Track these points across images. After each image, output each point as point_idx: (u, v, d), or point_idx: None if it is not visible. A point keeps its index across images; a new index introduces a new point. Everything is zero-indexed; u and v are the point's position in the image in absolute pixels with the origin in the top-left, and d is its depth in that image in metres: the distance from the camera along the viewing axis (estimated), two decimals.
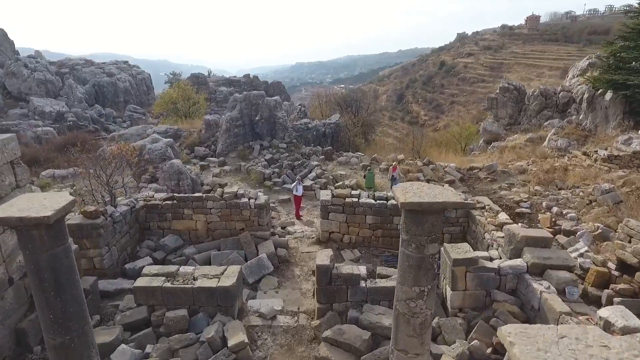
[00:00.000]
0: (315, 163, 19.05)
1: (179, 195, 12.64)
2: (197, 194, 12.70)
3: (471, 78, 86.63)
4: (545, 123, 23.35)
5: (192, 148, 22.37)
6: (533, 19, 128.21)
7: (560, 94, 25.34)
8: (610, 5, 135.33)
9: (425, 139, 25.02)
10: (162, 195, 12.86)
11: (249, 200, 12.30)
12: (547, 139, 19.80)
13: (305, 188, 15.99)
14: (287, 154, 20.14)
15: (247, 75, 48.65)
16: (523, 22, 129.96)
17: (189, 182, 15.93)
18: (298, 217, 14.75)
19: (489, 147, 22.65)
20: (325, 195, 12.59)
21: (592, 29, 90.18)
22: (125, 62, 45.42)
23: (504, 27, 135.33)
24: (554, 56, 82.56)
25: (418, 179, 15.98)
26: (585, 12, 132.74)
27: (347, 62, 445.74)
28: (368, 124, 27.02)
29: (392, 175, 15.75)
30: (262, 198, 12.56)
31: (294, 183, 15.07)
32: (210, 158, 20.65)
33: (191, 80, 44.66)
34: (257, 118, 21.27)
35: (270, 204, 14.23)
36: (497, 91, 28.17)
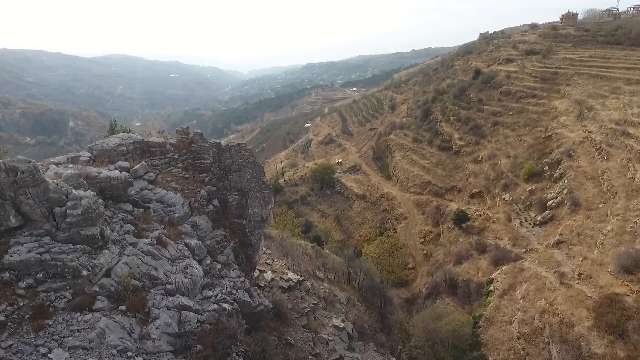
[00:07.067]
0: None
1: None
2: None
3: (517, 92, 68.73)
4: None
5: None
6: (570, 17, 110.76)
7: None
8: None
9: None
10: None
11: None
12: None
13: None
14: None
15: (183, 131, 19.34)
16: (558, 20, 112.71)
17: None
18: None
19: None
20: None
21: None
22: None
23: (533, 25, 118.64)
24: (624, 64, 64.61)
25: None
26: (629, 9, 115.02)
27: (358, 63, 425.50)
28: None
29: None
30: None
31: None
32: None
33: None
34: None
35: None
36: None
